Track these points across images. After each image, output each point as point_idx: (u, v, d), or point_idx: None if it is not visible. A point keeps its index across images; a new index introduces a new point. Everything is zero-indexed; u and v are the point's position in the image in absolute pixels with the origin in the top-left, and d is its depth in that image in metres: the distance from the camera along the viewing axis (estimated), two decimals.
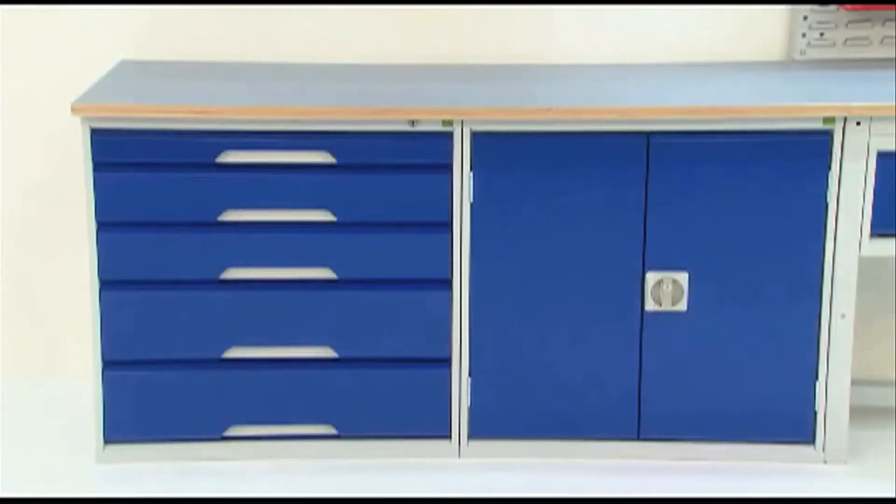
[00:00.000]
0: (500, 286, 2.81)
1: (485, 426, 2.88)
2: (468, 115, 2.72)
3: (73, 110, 2.70)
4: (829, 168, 2.76)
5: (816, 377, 2.85)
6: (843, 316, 2.82)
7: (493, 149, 2.75)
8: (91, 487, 2.79)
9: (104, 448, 2.87)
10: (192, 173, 2.75)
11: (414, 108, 2.71)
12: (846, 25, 3.10)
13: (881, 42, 3.11)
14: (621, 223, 2.78)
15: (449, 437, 2.88)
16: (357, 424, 2.88)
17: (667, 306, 2.81)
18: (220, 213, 2.77)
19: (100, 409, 2.84)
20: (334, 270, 2.80)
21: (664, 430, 2.88)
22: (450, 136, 2.74)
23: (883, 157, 2.74)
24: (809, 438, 2.89)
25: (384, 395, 2.86)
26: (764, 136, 2.75)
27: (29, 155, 3.18)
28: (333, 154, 2.74)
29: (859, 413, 2.97)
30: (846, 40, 3.11)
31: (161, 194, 2.75)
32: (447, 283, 2.81)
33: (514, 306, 2.83)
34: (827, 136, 2.74)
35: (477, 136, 2.75)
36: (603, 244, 2.79)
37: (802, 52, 3.12)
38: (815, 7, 3.08)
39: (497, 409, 2.86)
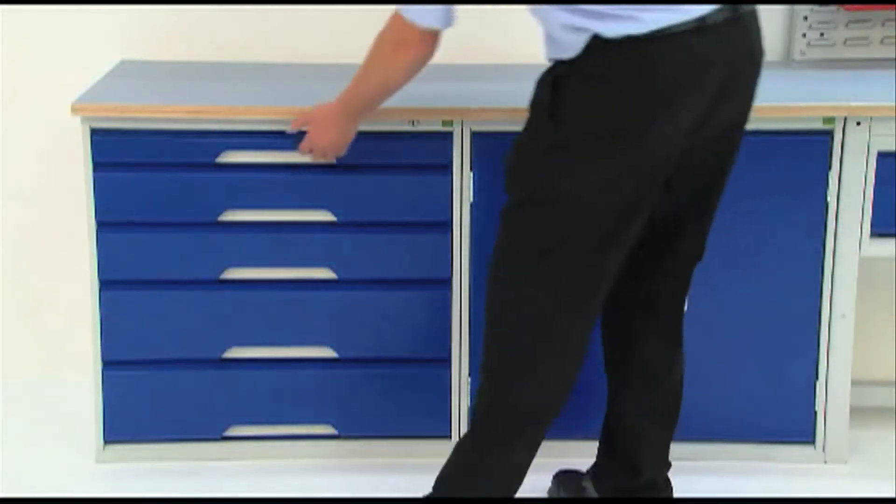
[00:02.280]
0: None
1: None
2: (468, 115, 2.72)
3: (73, 110, 2.70)
4: (829, 168, 2.76)
5: (816, 377, 2.85)
6: (843, 316, 2.82)
7: (493, 149, 2.75)
8: (91, 487, 2.79)
9: (104, 448, 2.87)
10: (192, 173, 2.75)
11: (414, 108, 2.71)
12: (846, 25, 3.10)
13: (881, 42, 3.11)
14: None
15: (449, 437, 2.87)
16: (357, 424, 2.88)
17: None
18: (220, 213, 2.77)
19: (100, 409, 2.84)
20: (334, 270, 2.80)
21: None
22: (450, 136, 2.74)
23: (883, 157, 2.74)
24: (809, 438, 2.89)
25: (384, 395, 2.86)
26: (764, 136, 2.74)
27: (29, 155, 3.18)
28: None
29: (859, 413, 2.97)
30: (846, 40, 3.11)
31: (161, 194, 2.75)
32: (447, 283, 2.81)
33: None
34: (827, 136, 2.74)
35: (477, 136, 2.75)
36: None
37: (802, 52, 3.12)
38: (815, 7, 3.08)
39: None
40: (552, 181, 2.19)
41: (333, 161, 2.68)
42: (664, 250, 2.41)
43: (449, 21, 2.29)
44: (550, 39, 2.22)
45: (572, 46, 2.16)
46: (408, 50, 2.33)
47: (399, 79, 2.40)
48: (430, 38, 2.31)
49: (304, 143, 2.65)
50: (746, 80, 2.25)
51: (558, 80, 2.17)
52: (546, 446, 2.84)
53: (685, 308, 2.51)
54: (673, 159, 2.20)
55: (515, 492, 2.40)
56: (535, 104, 2.24)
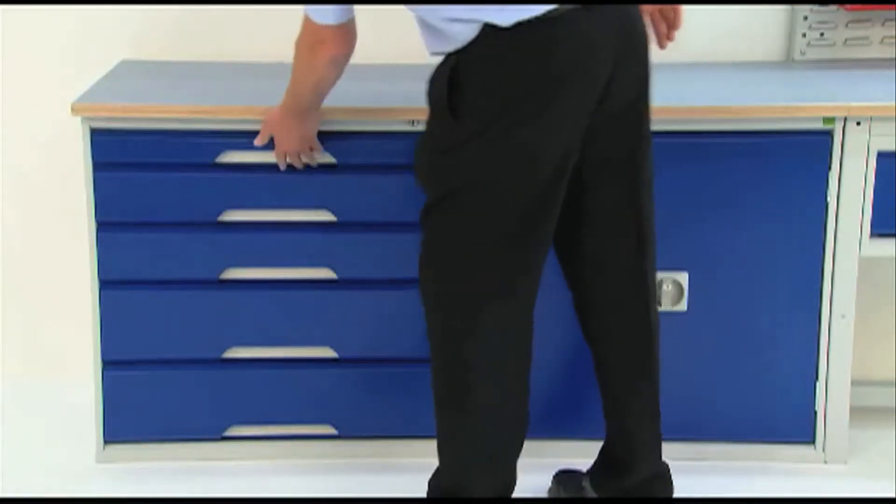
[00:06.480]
0: None
1: None
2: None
3: (73, 110, 2.70)
4: (829, 168, 2.76)
5: (816, 377, 2.85)
6: (843, 316, 2.82)
7: None
8: (91, 487, 2.79)
9: (104, 448, 2.87)
10: (192, 173, 2.75)
11: (414, 108, 2.71)
12: (846, 25, 3.10)
13: (881, 42, 3.11)
14: None
15: None
16: (357, 424, 2.88)
17: (667, 306, 2.81)
18: (220, 213, 2.77)
19: (100, 409, 2.84)
20: (334, 270, 2.80)
21: (664, 430, 2.87)
22: None
23: (883, 157, 2.74)
24: (809, 438, 2.89)
25: (384, 395, 2.86)
26: (764, 136, 2.75)
27: (29, 155, 3.18)
28: (333, 154, 2.74)
29: (859, 413, 2.97)
30: (846, 40, 3.11)
31: (161, 194, 2.75)
32: None
33: None
34: (827, 136, 2.74)
35: None
36: None
37: (802, 52, 3.12)
38: (815, 7, 3.08)
39: None
40: (463, 177, 2.25)
41: (316, 159, 2.71)
42: (603, 248, 2.44)
43: (345, 15, 2.34)
44: (434, 32, 2.26)
45: (458, 37, 2.20)
46: (324, 49, 2.38)
47: (327, 78, 2.46)
48: (342, 35, 2.36)
49: (277, 150, 2.68)
50: (636, 54, 2.33)
51: (454, 74, 2.22)
52: (546, 446, 2.85)
53: (655, 300, 2.51)
54: (578, 138, 2.26)
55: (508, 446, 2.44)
56: (434, 101, 2.29)
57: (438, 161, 2.29)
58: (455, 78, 2.22)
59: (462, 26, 2.20)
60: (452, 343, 2.36)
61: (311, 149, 2.69)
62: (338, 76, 2.46)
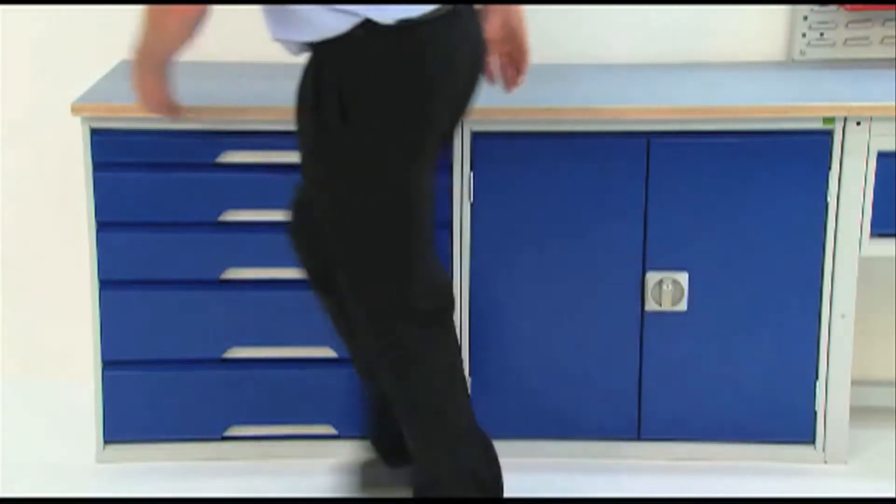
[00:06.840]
0: (500, 286, 2.81)
1: (484, 426, 2.86)
2: (468, 115, 2.72)
3: (73, 110, 2.70)
4: (829, 168, 2.76)
5: (816, 377, 2.85)
6: (843, 316, 2.82)
7: (493, 149, 2.75)
8: (91, 487, 2.79)
9: (104, 448, 2.87)
10: (192, 173, 2.75)
11: None
12: (846, 25, 3.10)
13: (881, 42, 3.11)
14: (621, 223, 2.78)
15: None
16: (357, 424, 2.88)
17: (667, 306, 2.81)
18: (220, 213, 2.77)
19: (100, 409, 2.84)
20: None
21: (664, 430, 2.88)
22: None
23: (883, 157, 2.74)
24: (809, 438, 2.89)
25: None
26: (764, 136, 2.75)
27: (29, 155, 3.18)
28: None
29: (859, 413, 2.97)
30: (846, 40, 3.11)
31: (161, 194, 2.75)
32: None
33: (513, 306, 2.83)
34: (827, 136, 2.74)
35: (477, 136, 2.75)
36: (603, 244, 2.79)
37: (802, 52, 3.12)
38: (815, 7, 3.08)
39: (497, 408, 2.86)
40: (367, 185, 2.26)
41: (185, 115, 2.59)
42: None
43: None
44: (290, 18, 2.23)
45: (323, 29, 2.19)
46: (174, 11, 2.25)
47: (175, 39, 2.33)
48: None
49: (146, 106, 2.53)
50: (480, 65, 2.40)
51: (343, 78, 2.21)
52: (545, 446, 2.85)
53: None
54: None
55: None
56: (322, 103, 2.26)
57: (332, 169, 2.29)
58: (343, 82, 2.21)
59: (336, 18, 2.18)
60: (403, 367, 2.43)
61: (173, 110, 2.54)
62: (190, 38, 2.33)
